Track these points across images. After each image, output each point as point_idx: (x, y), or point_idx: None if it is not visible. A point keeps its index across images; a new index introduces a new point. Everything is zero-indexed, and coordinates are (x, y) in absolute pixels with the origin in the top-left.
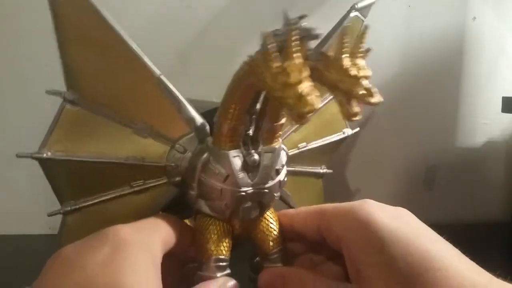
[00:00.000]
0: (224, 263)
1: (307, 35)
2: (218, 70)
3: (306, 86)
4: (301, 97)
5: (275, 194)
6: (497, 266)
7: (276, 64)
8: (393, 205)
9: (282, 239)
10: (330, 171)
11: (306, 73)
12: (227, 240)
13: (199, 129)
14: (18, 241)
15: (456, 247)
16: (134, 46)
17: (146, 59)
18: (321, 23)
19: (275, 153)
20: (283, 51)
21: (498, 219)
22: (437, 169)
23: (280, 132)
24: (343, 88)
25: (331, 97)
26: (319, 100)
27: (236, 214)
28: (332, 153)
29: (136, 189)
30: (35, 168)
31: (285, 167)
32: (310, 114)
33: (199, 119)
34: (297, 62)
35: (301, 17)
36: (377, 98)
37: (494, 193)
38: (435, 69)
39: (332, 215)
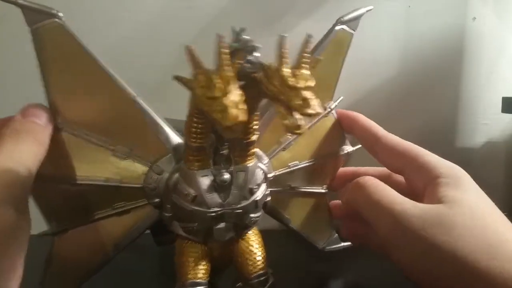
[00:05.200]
0: (202, 287)
1: (244, 48)
2: None
3: (231, 99)
4: (225, 110)
5: (251, 215)
6: None
7: (202, 77)
8: None
9: (266, 263)
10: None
11: (233, 85)
12: (204, 263)
13: (176, 148)
14: None
15: None
16: (109, 69)
17: (121, 82)
18: (320, 23)
19: (248, 171)
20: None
21: None
22: None
23: (253, 150)
24: (282, 99)
25: (324, 113)
26: (244, 113)
27: (210, 235)
28: (334, 172)
29: (118, 210)
30: None
31: (262, 186)
32: (237, 128)
33: (175, 139)
34: (225, 75)
35: (241, 30)
36: (313, 109)
37: (494, 193)
38: (435, 69)
39: None
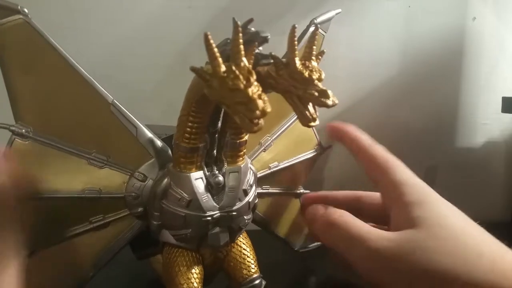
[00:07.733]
0: None
1: (255, 38)
2: None
3: (255, 89)
4: (251, 101)
5: (245, 217)
6: None
7: (222, 68)
8: None
9: (257, 266)
10: (307, 191)
11: (253, 76)
12: (197, 272)
13: (159, 153)
14: None
15: None
16: (84, 72)
17: (97, 84)
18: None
19: (241, 172)
20: (230, 55)
21: (498, 219)
22: (437, 169)
23: (244, 150)
24: (296, 92)
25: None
26: (269, 104)
27: (204, 242)
28: (308, 172)
29: (95, 224)
30: None
31: (254, 187)
32: (261, 120)
33: (159, 142)
34: (243, 65)
35: (249, 22)
36: (332, 100)
37: (494, 193)
38: (435, 69)
39: None
